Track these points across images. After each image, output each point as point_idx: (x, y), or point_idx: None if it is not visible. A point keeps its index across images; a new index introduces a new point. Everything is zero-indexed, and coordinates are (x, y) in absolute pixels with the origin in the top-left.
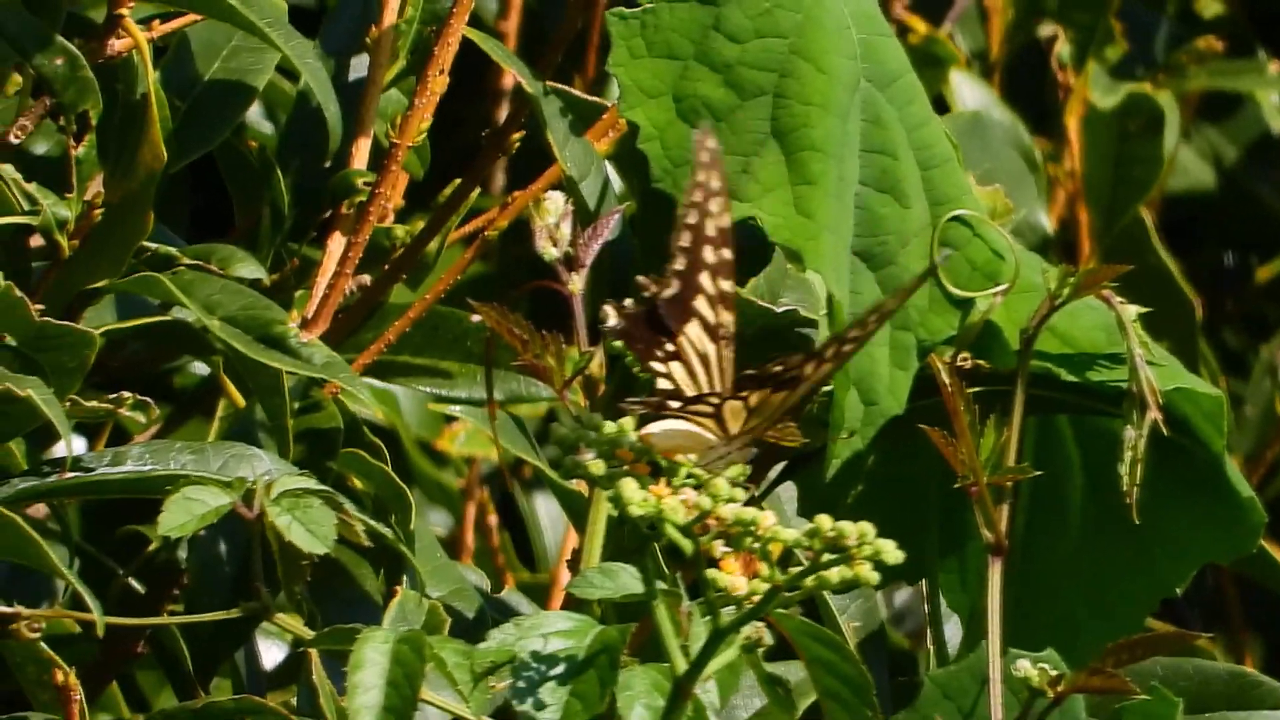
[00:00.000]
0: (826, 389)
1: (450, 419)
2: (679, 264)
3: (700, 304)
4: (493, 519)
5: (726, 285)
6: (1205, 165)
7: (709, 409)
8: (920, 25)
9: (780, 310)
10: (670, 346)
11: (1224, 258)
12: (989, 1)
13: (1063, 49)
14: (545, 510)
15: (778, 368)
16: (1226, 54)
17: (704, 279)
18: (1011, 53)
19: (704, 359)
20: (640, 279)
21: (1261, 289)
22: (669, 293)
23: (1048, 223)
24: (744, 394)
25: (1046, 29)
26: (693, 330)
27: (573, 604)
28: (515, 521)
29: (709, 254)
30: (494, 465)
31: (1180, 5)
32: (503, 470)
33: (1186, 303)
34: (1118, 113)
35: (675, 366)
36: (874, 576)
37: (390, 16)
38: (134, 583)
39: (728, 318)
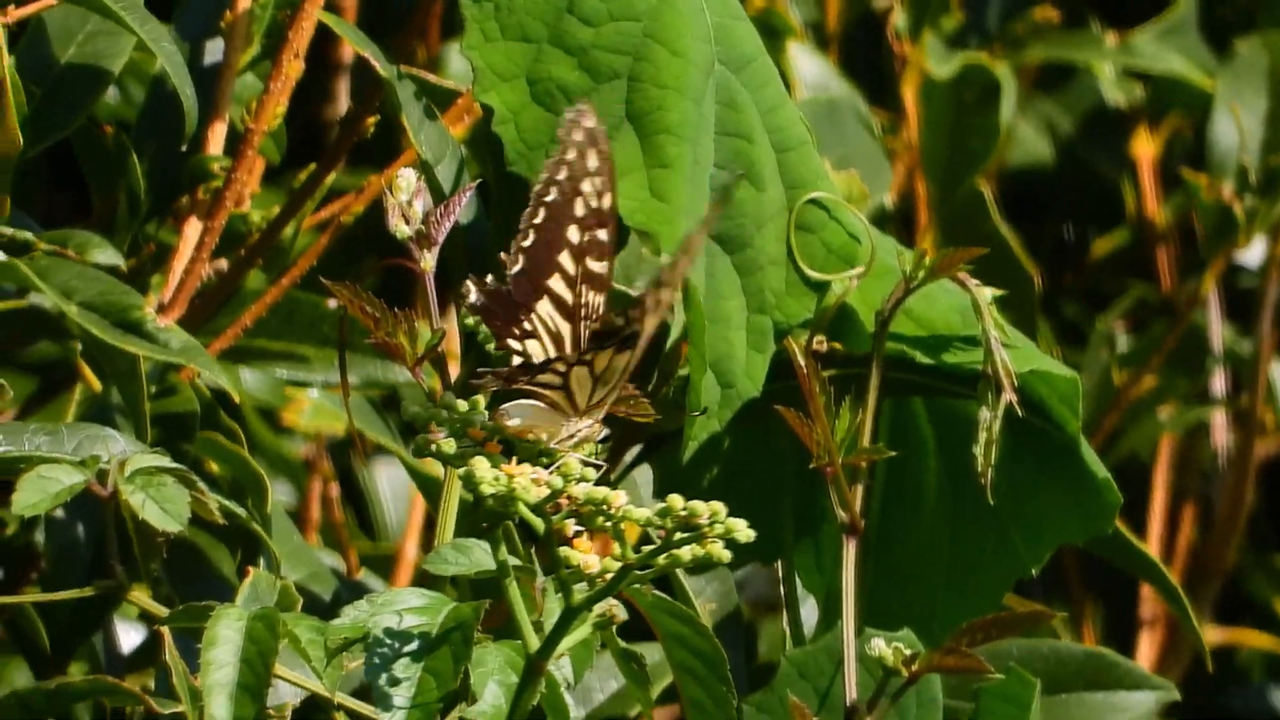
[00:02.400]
0: (683, 372)
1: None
2: (527, 239)
3: (556, 283)
4: (335, 491)
5: (598, 266)
6: (1042, 137)
7: (557, 379)
8: None
9: (636, 294)
10: (527, 326)
11: (1063, 230)
12: None
13: (899, 19)
14: (387, 481)
15: (618, 321)
16: (1063, 25)
17: (564, 258)
18: (848, 24)
19: (557, 338)
20: (503, 256)
21: (1099, 262)
22: (515, 269)
23: (887, 196)
24: (588, 357)
25: (881, 1)
26: (543, 308)
27: (427, 582)
28: (355, 493)
29: (573, 233)
30: (336, 436)
31: None
32: (352, 441)
33: (1026, 276)
34: (954, 83)
35: (531, 344)
36: (726, 555)
37: (244, 1)
38: None
39: (595, 299)
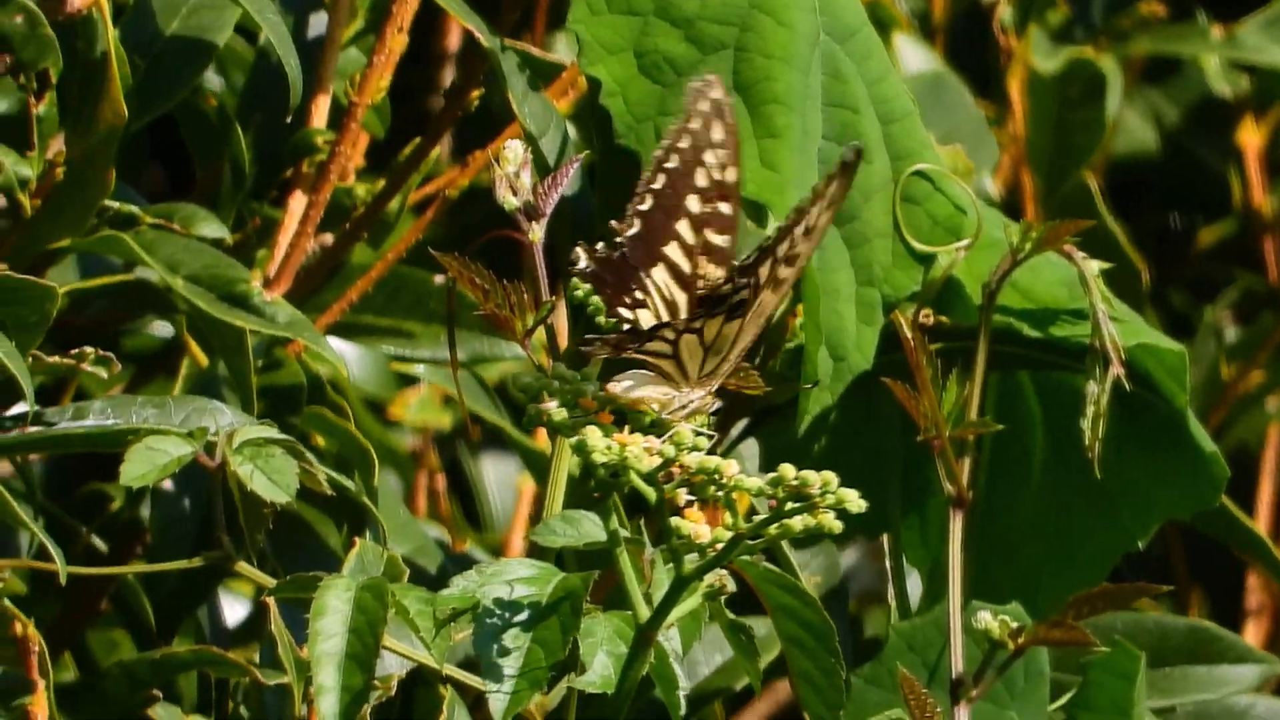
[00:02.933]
0: (791, 344)
1: (405, 383)
2: (645, 204)
3: (672, 250)
4: (441, 483)
5: (719, 240)
6: (1148, 128)
7: (666, 346)
8: None
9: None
10: (639, 294)
11: (1169, 220)
12: None
13: (1004, 13)
14: (494, 473)
15: (725, 287)
16: (1168, 18)
17: (682, 227)
18: (955, 16)
19: (672, 306)
20: (614, 224)
21: (1206, 251)
22: (630, 231)
23: (992, 187)
24: (697, 324)
25: None
26: (659, 275)
27: (535, 555)
28: (461, 486)
29: (693, 203)
30: (442, 430)
31: None
32: (460, 432)
33: (1132, 267)
34: (1059, 77)
35: (643, 313)
36: (837, 525)
37: None
38: (98, 541)
39: (715, 272)
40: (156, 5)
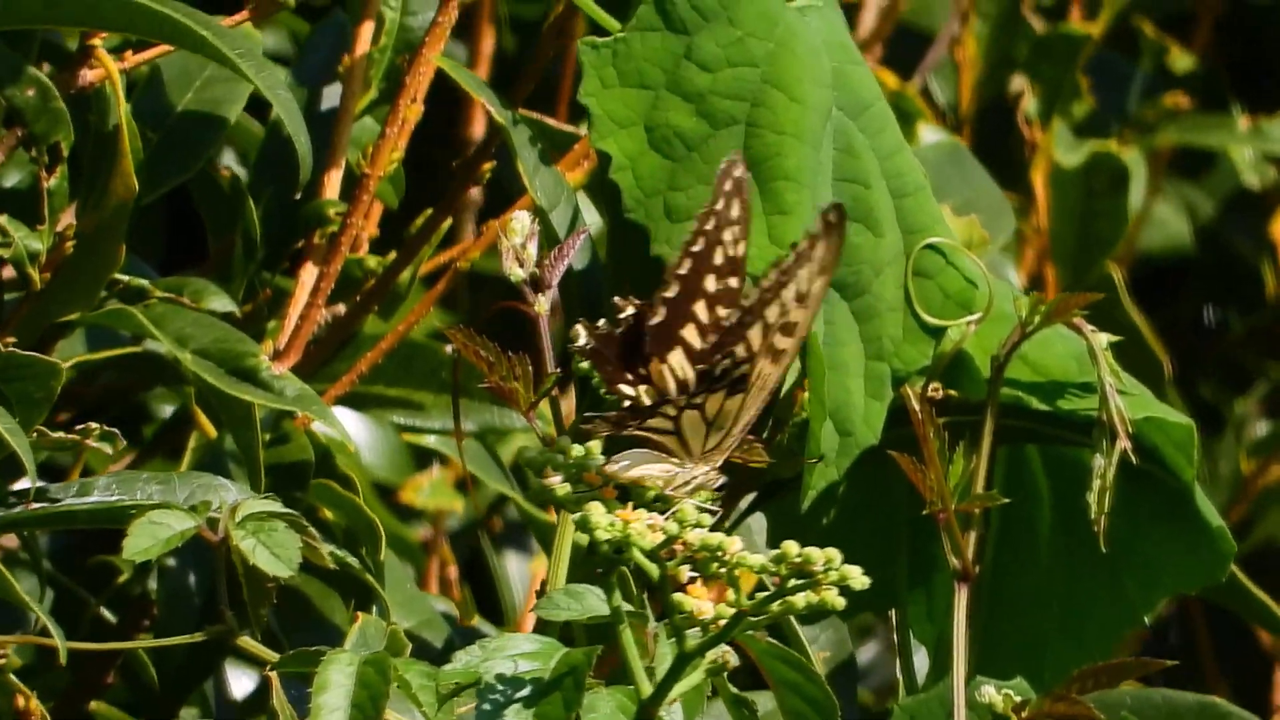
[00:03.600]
0: (799, 418)
1: (419, 467)
2: (671, 291)
3: (689, 332)
4: (453, 571)
5: (724, 313)
6: (1181, 220)
7: (668, 423)
8: (890, 79)
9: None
10: (642, 370)
11: (1203, 312)
12: (960, 55)
13: (1029, 104)
14: (514, 565)
15: (724, 363)
16: (1199, 108)
17: (699, 307)
18: (981, 107)
19: (684, 385)
20: (617, 300)
21: (1237, 344)
22: (655, 320)
23: (1016, 278)
24: (697, 400)
25: (1016, 83)
26: (675, 358)
27: (540, 629)
28: (477, 577)
29: (711, 282)
30: (459, 520)
31: (1153, 59)
32: (479, 522)
33: (1155, 359)
34: (1083, 170)
35: (645, 390)
36: (840, 602)
37: (363, 45)
38: (106, 612)
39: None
40: (169, 78)
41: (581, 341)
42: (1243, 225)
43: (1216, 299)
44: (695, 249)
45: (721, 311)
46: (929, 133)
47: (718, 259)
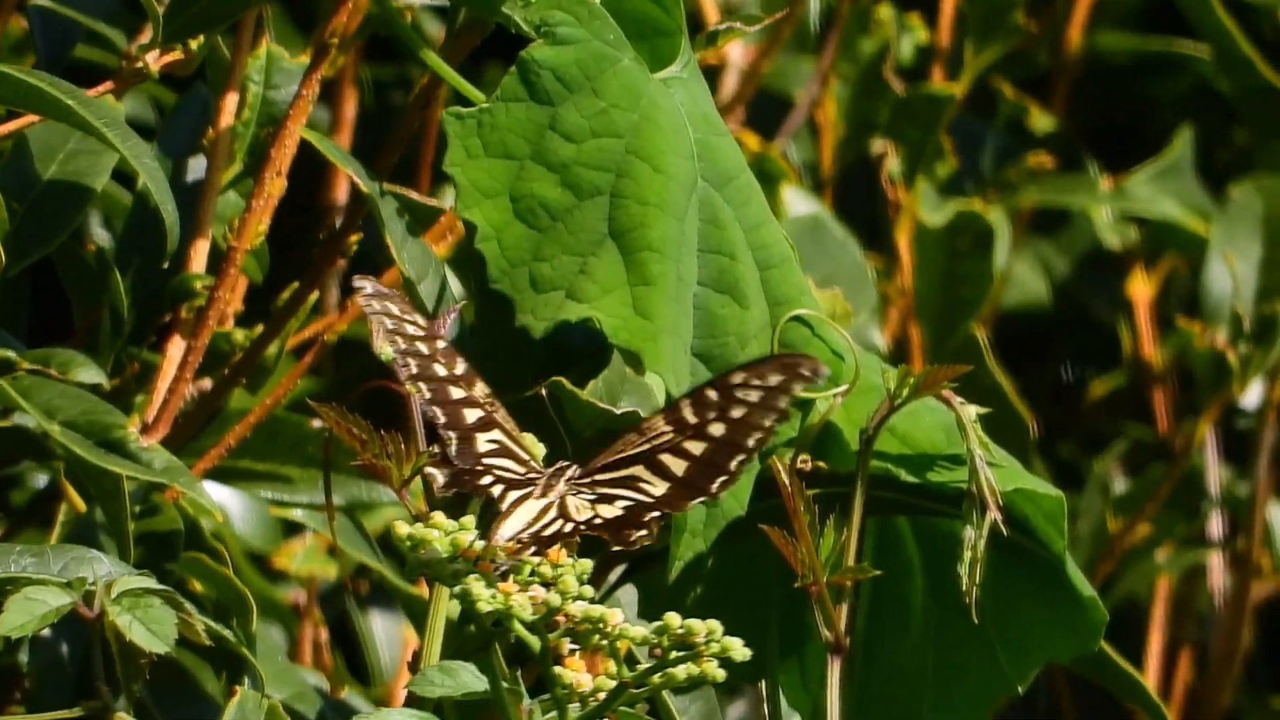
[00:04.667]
0: None
1: (290, 534)
2: (440, 418)
3: (481, 435)
4: (324, 635)
5: (459, 368)
6: (1039, 279)
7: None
8: (752, 141)
9: (620, 413)
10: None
11: (1061, 371)
12: (821, 117)
13: (893, 166)
14: (381, 626)
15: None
16: (1059, 169)
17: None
18: (843, 168)
19: (507, 449)
20: (427, 470)
21: (1096, 403)
22: (453, 450)
23: (881, 340)
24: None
25: (877, 145)
26: (484, 444)
27: (414, 704)
28: (347, 639)
29: (455, 390)
30: (329, 582)
31: (1013, 120)
32: (345, 583)
33: (1020, 419)
34: (947, 230)
35: (498, 471)
36: (720, 674)
37: (227, 118)
38: None
39: (480, 389)
40: (34, 150)
41: (441, 483)
42: (1099, 285)
43: (1074, 358)
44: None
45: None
46: (793, 195)
47: (439, 369)
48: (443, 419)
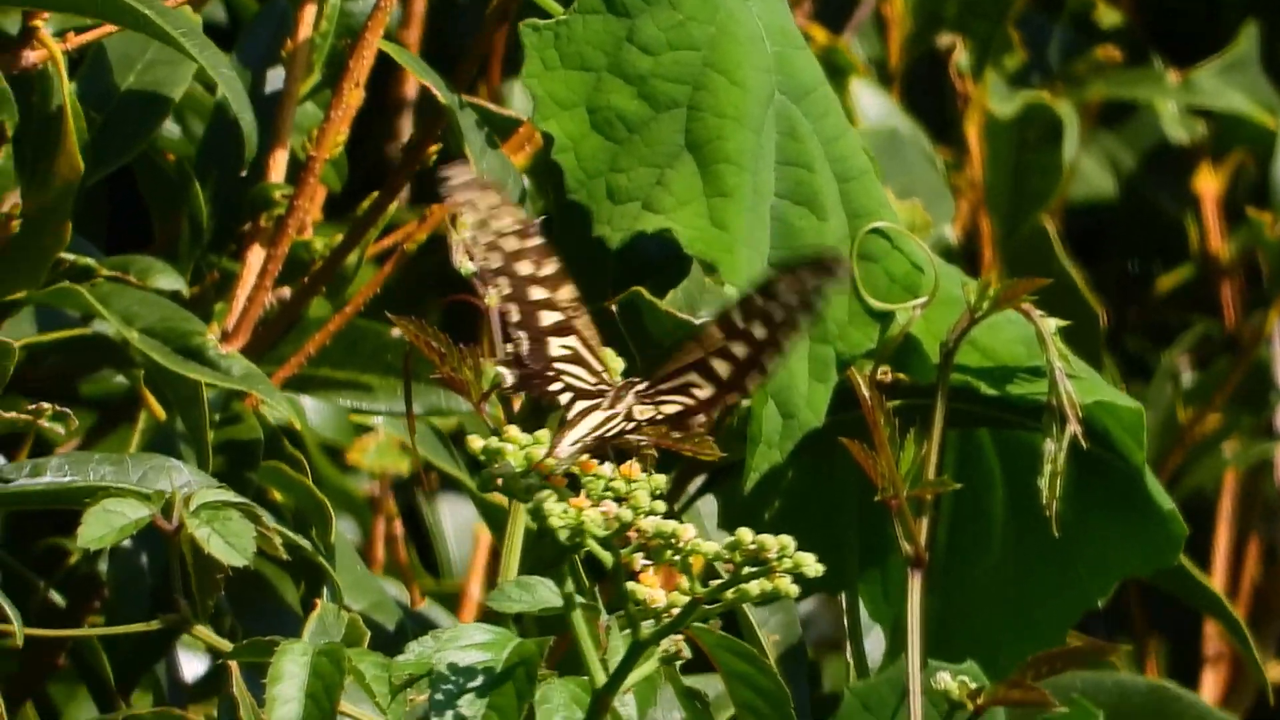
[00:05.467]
0: (745, 402)
1: (362, 430)
2: (513, 315)
3: (546, 318)
4: (399, 529)
5: (548, 269)
6: (1106, 174)
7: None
8: (820, 34)
9: (699, 322)
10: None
11: (1127, 266)
12: (888, 11)
13: (961, 58)
14: (451, 519)
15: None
16: (1125, 63)
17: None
18: (910, 62)
19: (580, 357)
20: (497, 367)
21: (1163, 297)
22: (524, 349)
23: (951, 233)
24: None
25: (945, 38)
26: (556, 348)
27: (491, 617)
28: (419, 530)
29: (537, 291)
30: (400, 476)
31: (1078, 14)
32: (417, 479)
33: (1091, 312)
34: (1017, 122)
35: (568, 378)
36: (794, 589)
37: (305, 30)
38: (55, 595)
39: (565, 292)
40: (112, 60)
41: (509, 382)
42: (1166, 179)
43: (1140, 253)
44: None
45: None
46: (862, 89)
47: (524, 269)
48: (516, 317)
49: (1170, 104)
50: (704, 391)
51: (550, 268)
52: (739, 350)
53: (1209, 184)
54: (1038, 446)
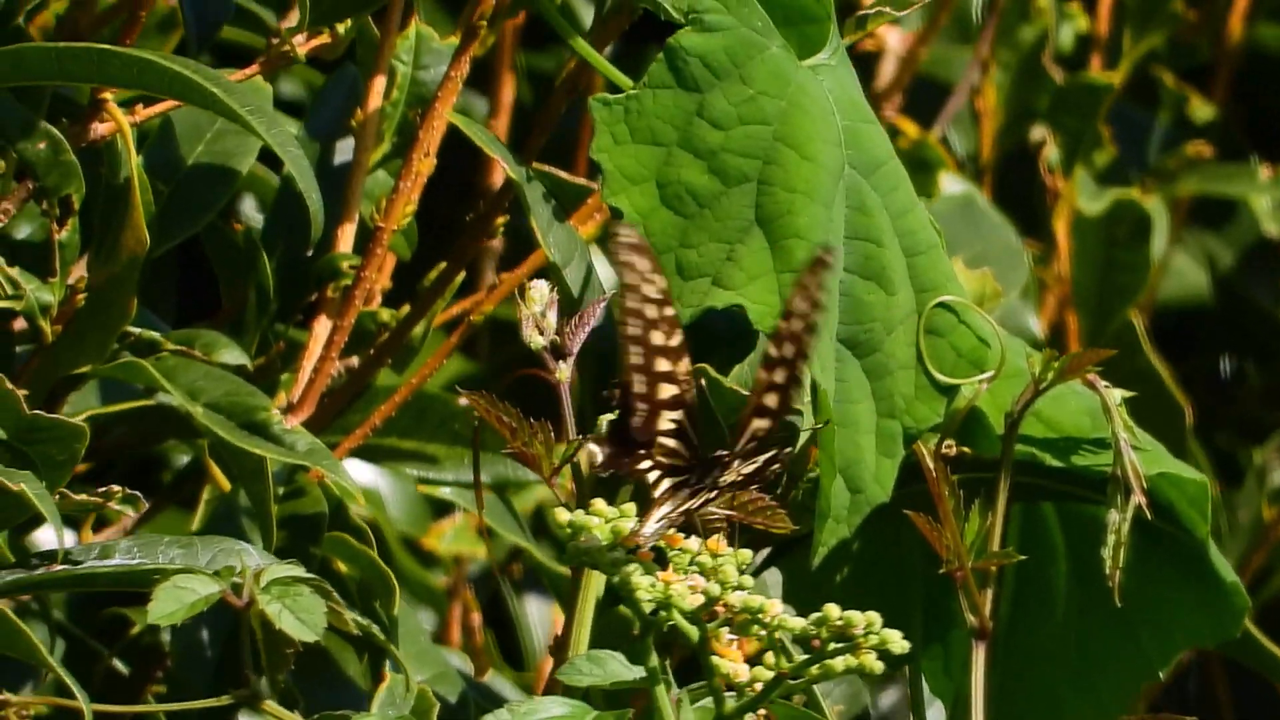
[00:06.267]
0: (812, 474)
1: (439, 515)
2: (638, 385)
3: (664, 391)
4: (476, 618)
5: (676, 339)
6: (1200, 270)
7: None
8: (910, 128)
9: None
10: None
11: (1220, 363)
12: (981, 104)
13: (1051, 153)
14: (535, 610)
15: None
16: (1219, 158)
17: (664, 386)
18: (1002, 155)
19: (684, 431)
20: (590, 445)
21: (1257, 394)
22: (637, 420)
23: (1037, 326)
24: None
25: (1037, 132)
26: (666, 421)
27: (559, 691)
28: (500, 621)
29: (662, 363)
30: (481, 565)
31: (1173, 110)
32: (493, 568)
33: (1177, 406)
34: (1105, 218)
35: (659, 453)
36: (879, 666)
37: (375, 99)
38: (118, 664)
39: (684, 365)
40: (180, 131)
41: (600, 461)
42: (1262, 275)
43: (1235, 349)
44: (634, 333)
45: (674, 340)
46: (950, 182)
47: (656, 339)
48: (640, 389)
49: (1264, 199)
50: (763, 424)
51: (677, 339)
52: (779, 377)
53: None
54: (1101, 518)
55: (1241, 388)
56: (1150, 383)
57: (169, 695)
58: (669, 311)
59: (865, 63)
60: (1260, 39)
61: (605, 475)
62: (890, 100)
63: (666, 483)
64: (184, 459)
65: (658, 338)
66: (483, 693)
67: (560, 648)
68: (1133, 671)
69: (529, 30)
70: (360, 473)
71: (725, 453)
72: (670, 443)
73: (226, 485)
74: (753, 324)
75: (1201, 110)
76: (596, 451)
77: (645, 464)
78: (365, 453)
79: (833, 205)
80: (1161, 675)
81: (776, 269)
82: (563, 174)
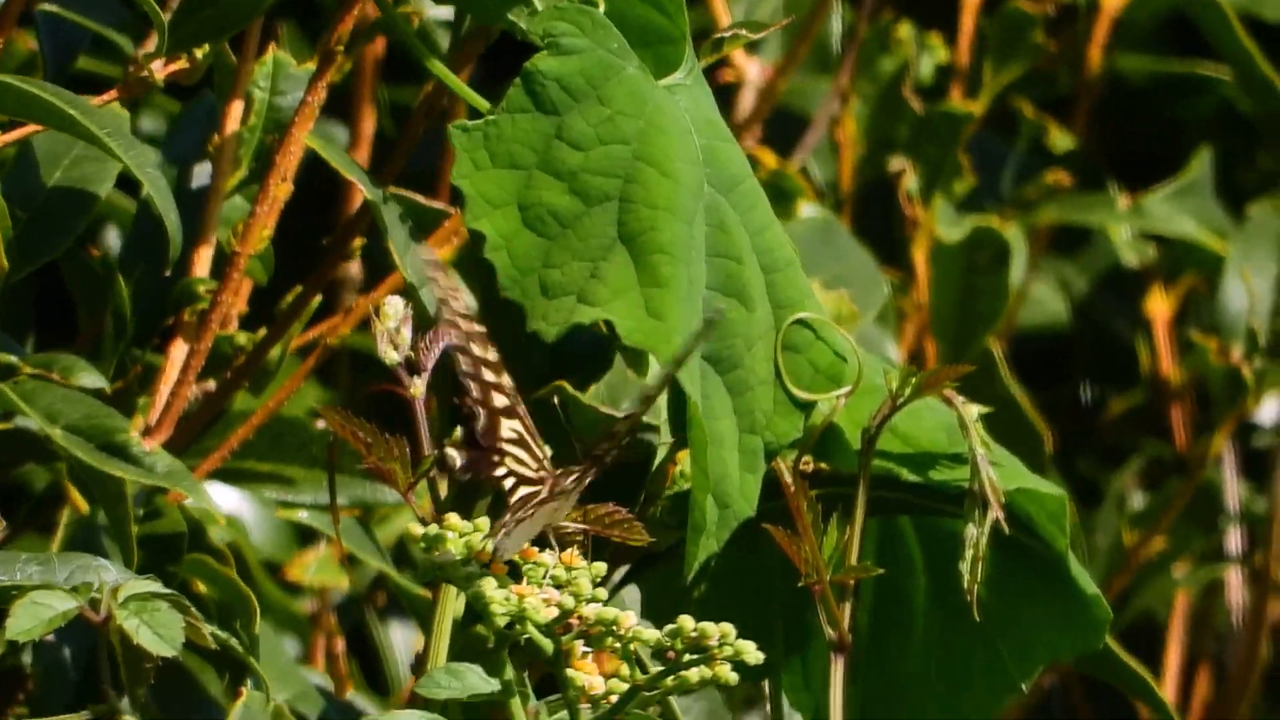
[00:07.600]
0: (672, 490)
1: (304, 543)
2: (475, 391)
3: (498, 400)
4: (340, 644)
5: (492, 355)
6: (1059, 298)
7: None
8: (769, 159)
9: (621, 415)
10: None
11: (1079, 390)
12: (840, 135)
13: (910, 182)
14: (399, 636)
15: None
16: (1077, 187)
17: (489, 382)
18: (862, 185)
19: (525, 442)
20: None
21: (1115, 420)
22: (480, 425)
23: (896, 353)
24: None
25: (896, 162)
26: (507, 430)
27: (420, 705)
28: (365, 650)
29: (477, 350)
30: (345, 593)
31: (1031, 139)
32: (362, 595)
33: (1036, 433)
34: (965, 246)
35: (510, 461)
36: (733, 677)
37: (233, 125)
38: None
39: (507, 380)
40: (39, 157)
41: (458, 465)
42: (1118, 303)
43: (1093, 376)
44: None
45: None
46: (809, 210)
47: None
48: (476, 394)
49: (1122, 228)
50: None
51: (493, 354)
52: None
53: (1160, 308)
54: (959, 532)
55: (1102, 414)
56: (1009, 409)
57: (31, 716)
58: (479, 328)
59: (725, 94)
60: (1119, 69)
61: (465, 479)
62: (750, 131)
63: (521, 491)
64: (42, 484)
65: (477, 349)
66: (343, 711)
67: (420, 665)
68: (995, 685)
69: (391, 63)
70: (224, 498)
71: (575, 467)
72: (516, 450)
73: (85, 508)
74: (621, 339)
75: (1061, 140)
76: (456, 456)
77: (500, 470)
78: (224, 475)
79: (694, 222)
80: (1024, 689)
81: (642, 284)
82: (419, 198)
